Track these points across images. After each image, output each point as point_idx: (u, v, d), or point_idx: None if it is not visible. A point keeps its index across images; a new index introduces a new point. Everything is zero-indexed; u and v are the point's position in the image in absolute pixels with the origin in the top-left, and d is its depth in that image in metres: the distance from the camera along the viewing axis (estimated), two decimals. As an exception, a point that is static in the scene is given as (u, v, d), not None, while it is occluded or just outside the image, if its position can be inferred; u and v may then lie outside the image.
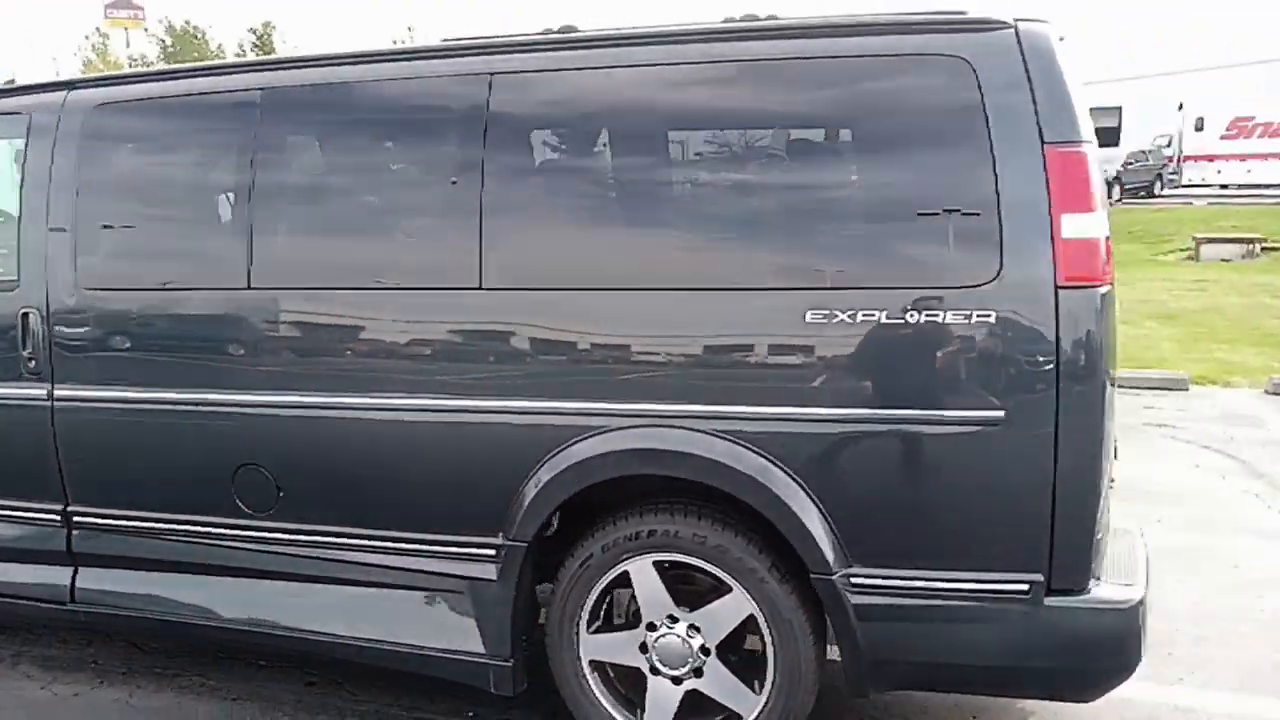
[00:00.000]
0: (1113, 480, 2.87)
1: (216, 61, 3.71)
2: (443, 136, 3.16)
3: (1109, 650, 2.77)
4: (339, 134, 3.34)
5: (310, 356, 3.24)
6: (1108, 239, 2.69)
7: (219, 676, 3.69)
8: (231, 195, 3.35)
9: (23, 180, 3.55)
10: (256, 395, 3.24)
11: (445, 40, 3.46)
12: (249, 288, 3.24)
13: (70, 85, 3.61)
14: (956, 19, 2.76)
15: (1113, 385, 2.78)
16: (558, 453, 2.95)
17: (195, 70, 3.53)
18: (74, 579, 3.62)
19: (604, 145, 3.09)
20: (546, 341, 3.00)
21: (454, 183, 3.06)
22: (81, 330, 3.46)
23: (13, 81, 4.12)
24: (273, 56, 3.54)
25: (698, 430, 2.85)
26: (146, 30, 46.97)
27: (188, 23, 50.47)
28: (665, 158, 3.08)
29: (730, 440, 2.82)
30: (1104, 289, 2.66)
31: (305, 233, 3.32)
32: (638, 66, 2.95)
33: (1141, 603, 2.77)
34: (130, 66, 44.29)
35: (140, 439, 3.43)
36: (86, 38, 44.90)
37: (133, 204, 3.48)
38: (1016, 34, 2.69)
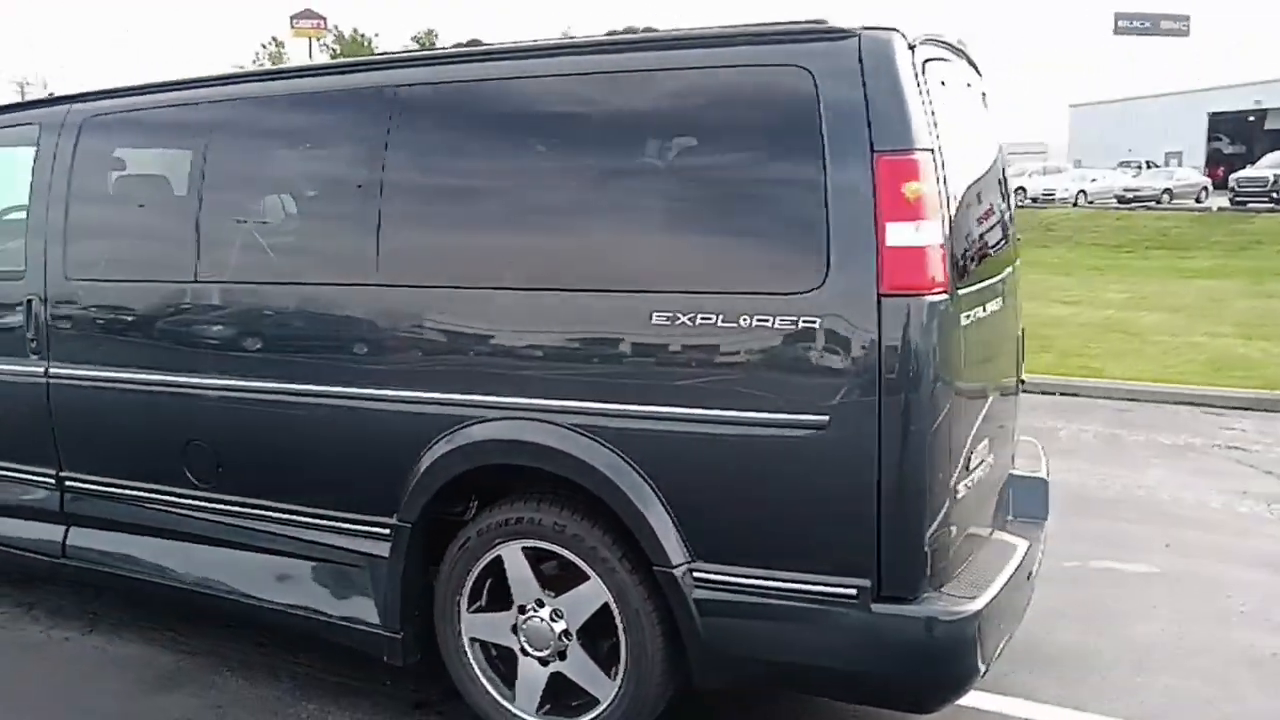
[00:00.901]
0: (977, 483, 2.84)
1: (178, 78, 4.11)
2: (352, 147, 3.41)
3: (939, 661, 2.75)
4: (263, 145, 3.64)
5: (235, 344, 3.55)
6: (944, 247, 2.67)
7: (187, 632, 4.06)
8: (181, 198, 3.70)
9: (31, 182, 4.03)
10: (196, 378, 3.59)
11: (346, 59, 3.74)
12: (195, 280, 3.60)
13: (73, 99, 4.07)
14: (802, 29, 2.81)
15: (977, 396, 2.80)
16: (438, 441, 3.16)
17: (161, 85, 3.90)
18: (65, 536, 4.07)
19: (482, 155, 3.26)
20: (428, 335, 3.21)
21: (359, 187, 3.32)
22: (68, 315, 3.91)
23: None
24: (222, 74, 3.91)
25: (558, 424, 2.99)
26: (319, 40, 49.99)
27: (355, 30, 53.43)
28: (529, 165, 3.22)
29: (585, 435, 2.96)
30: (934, 298, 2.65)
31: (236, 230, 3.64)
32: (503, 80, 3.13)
33: (978, 616, 2.73)
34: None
35: (111, 413, 3.84)
36: (264, 46, 48.20)
37: (105, 205, 3.91)
38: (859, 43, 2.71)
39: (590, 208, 3.04)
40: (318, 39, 54.65)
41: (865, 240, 2.63)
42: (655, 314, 2.85)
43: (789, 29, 2.84)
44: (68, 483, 4.04)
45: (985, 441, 3.03)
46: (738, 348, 2.78)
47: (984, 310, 2.99)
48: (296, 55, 49.25)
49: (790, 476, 2.77)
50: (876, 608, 2.71)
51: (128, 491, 3.89)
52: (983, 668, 2.78)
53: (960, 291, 2.77)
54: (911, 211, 2.63)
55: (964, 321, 2.79)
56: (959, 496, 2.81)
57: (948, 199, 2.72)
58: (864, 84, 2.68)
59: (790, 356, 2.72)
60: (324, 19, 62.13)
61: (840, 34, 2.75)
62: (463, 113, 3.26)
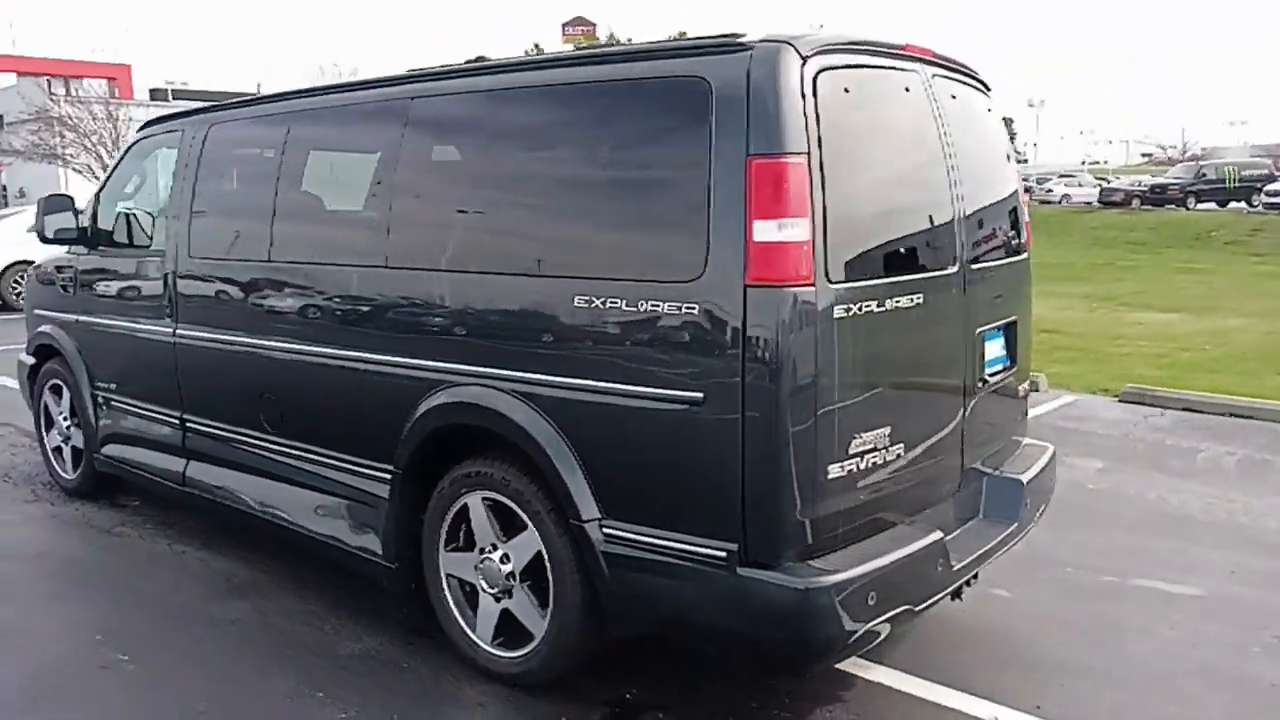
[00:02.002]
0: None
1: (269, 93, 4.89)
2: (373, 147, 4.02)
3: (794, 626, 2.96)
4: (313, 148, 4.31)
5: (289, 314, 4.25)
6: (810, 244, 2.87)
7: (269, 555, 4.83)
8: (262, 193, 4.45)
9: (173, 177, 4.95)
10: (266, 340, 4.33)
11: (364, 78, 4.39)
12: (269, 260, 4.34)
13: (208, 109, 4.96)
14: (708, 43, 3.10)
15: (868, 386, 3.00)
16: (421, 401, 3.70)
17: (258, 99, 4.70)
18: (185, 468, 4.98)
19: (451, 156, 3.78)
20: (414, 311, 3.75)
21: (379, 183, 3.92)
22: (188, 287, 4.78)
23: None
24: (300, 89, 4.67)
25: (502, 391, 3.45)
26: (577, 45, 52.58)
27: (612, 35, 55.74)
28: (488, 168, 3.67)
29: (522, 401, 3.39)
30: (799, 290, 2.87)
31: (301, 219, 4.33)
32: (462, 95, 3.64)
33: (836, 588, 2.91)
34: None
35: (214, 367, 4.68)
36: (526, 53, 51.30)
37: (214, 196, 4.74)
38: (750, 56, 2.98)
39: (535, 203, 3.48)
40: (584, 44, 57.48)
41: (736, 235, 2.90)
42: (577, 297, 3.24)
43: (698, 43, 3.15)
44: (187, 423, 4.93)
45: (884, 430, 3.16)
46: (637, 329, 3.11)
47: (889, 305, 3.13)
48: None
49: (676, 447, 3.08)
50: (742, 571, 2.97)
51: (224, 433, 4.72)
52: (848, 638, 2.96)
53: (840, 285, 2.96)
54: (778, 210, 2.86)
55: (841, 314, 2.96)
56: (829, 477, 2.99)
57: (825, 200, 2.92)
58: (747, 93, 2.94)
59: (675, 339, 3.03)
60: (593, 25, 65.32)
61: (737, 47, 3.02)
62: (444, 126, 3.80)
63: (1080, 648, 3.99)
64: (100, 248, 5.40)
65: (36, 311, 6.07)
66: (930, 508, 3.50)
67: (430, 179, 3.81)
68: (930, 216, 3.42)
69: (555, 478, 3.30)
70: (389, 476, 3.88)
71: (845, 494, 3.06)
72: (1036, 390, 3.78)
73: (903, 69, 3.41)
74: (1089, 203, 40.51)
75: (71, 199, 5.48)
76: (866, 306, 3.06)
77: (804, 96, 2.94)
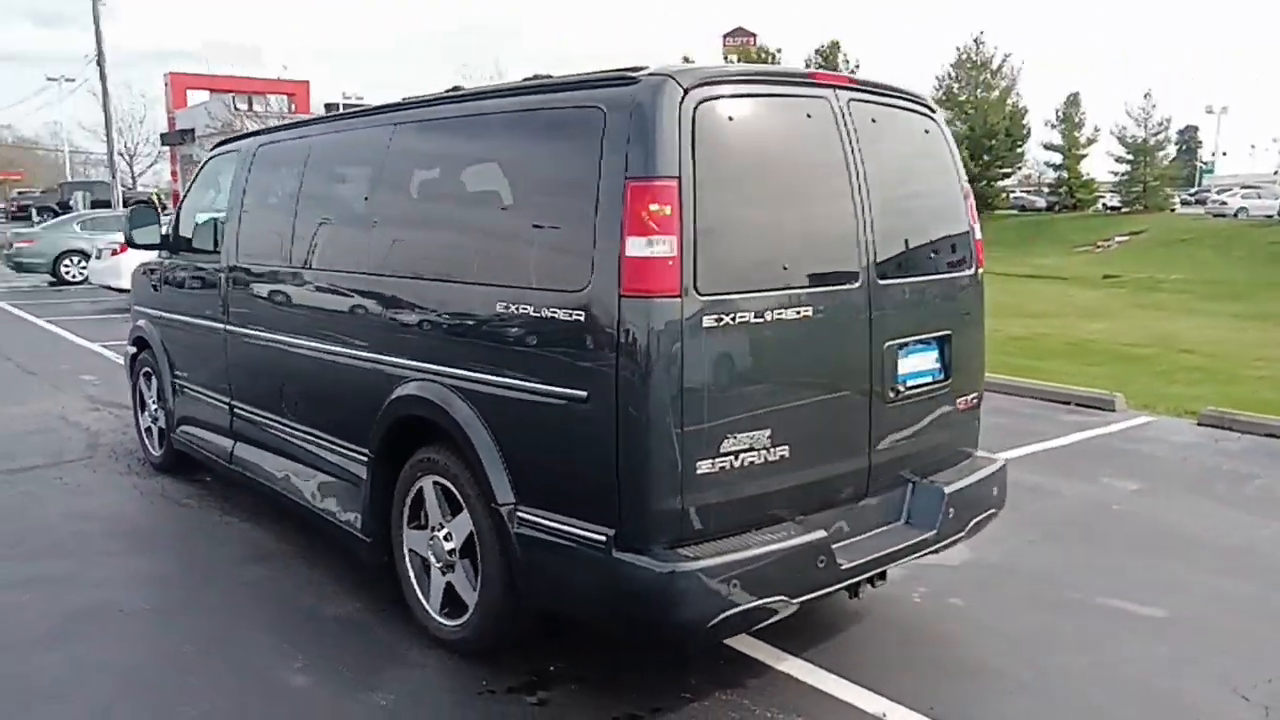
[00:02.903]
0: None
1: (299, 119, 5.52)
2: (360, 169, 4.54)
3: (656, 607, 3.23)
4: (345, 173, 4.84)
5: (297, 311, 4.82)
6: (678, 259, 3.15)
7: (296, 529, 5.41)
8: (286, 206, 5.04)
9: (229, 190, 5.64)
10: (282, 335, 4.92)
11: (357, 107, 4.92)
12: (285, 265, 4.93)
13: (260, 132, 5.62)
14: (608, 76, 3.43)
15: (742, 390, 3.28)
16: (389, 393, 4.16)
17: (293, 124, 5.30)
18: (233, 448, 5.64)
19: (409, 179, 4.26)
20: (385, 312, 4.22)
21: (365, 199, 4.42)
22: (234, 287, 5.44)
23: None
24: (318, 116, 5.33)
25: (445, 386, 3.87)
26: (733, 56, 52.89)
27: (760, 47, 55.84)
28: (429, 186, 4.13)
29: (459, 395, 3.80)
30: (666, 301, 3.16)
31: (307, 230, 4.88)
32: (421, 123, 4.10)
33: (694, 574, 3.17)
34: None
35: (250, 358, 5.31)
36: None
37: (252, 208, 5.38)
38: (636, 88, 3.29)
39: (470, 219, 3.91)
40: (743, 55, 57.81)
41: (613, 250, 3.21)
42: (499, 302, 3.63)
43: (602, 76, 3.48)
44: (234, 408, 5.59)
45: (764, 432, 3.39)
46: (541, 332, 3.47)
47: (769, 316, 3.36)
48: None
49: (569, 439, 3.42)
50: (617, 554, 3.27)
51: (258, 417, 5.34)
52: (709, 620, 3.21)
53: (710, 297, 3.22)
54: (648, 228, 3.16)
55: (711, 323, 3.22)
56: (699, 473, 3.25)
57: (697, 219, 3.19)
58: (630, 121, 3.26)
59: (568, 342, 3.37)
60: (754, 35, 65.64)
61: (629, 80, 3.34)
62: (406, 152, 4.28)
63: (1009, 657, 4.07)
64: (180, 252, 6.16)
65: (135, 307, 6.93)
66: (834, 508, 3.69)
67: (393, 198, 4.28)
68: (825, 234, 3.62)
69: (479, 465, 3.69)
70: (366, 459, 4.37)
71: (717, 489, 3.31)
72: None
73: (806, 95, 3.63)
74: (1270, 216, 37.93)
75: (156, 209, 6.27)
76: (741, 317, 3.30)
77: (680, 124, 3.22)
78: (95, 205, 33.52)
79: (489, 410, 3.70)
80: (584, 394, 3.33)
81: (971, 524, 4.12)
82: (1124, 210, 52.26)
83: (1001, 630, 4.33)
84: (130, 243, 6.16)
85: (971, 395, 4.30)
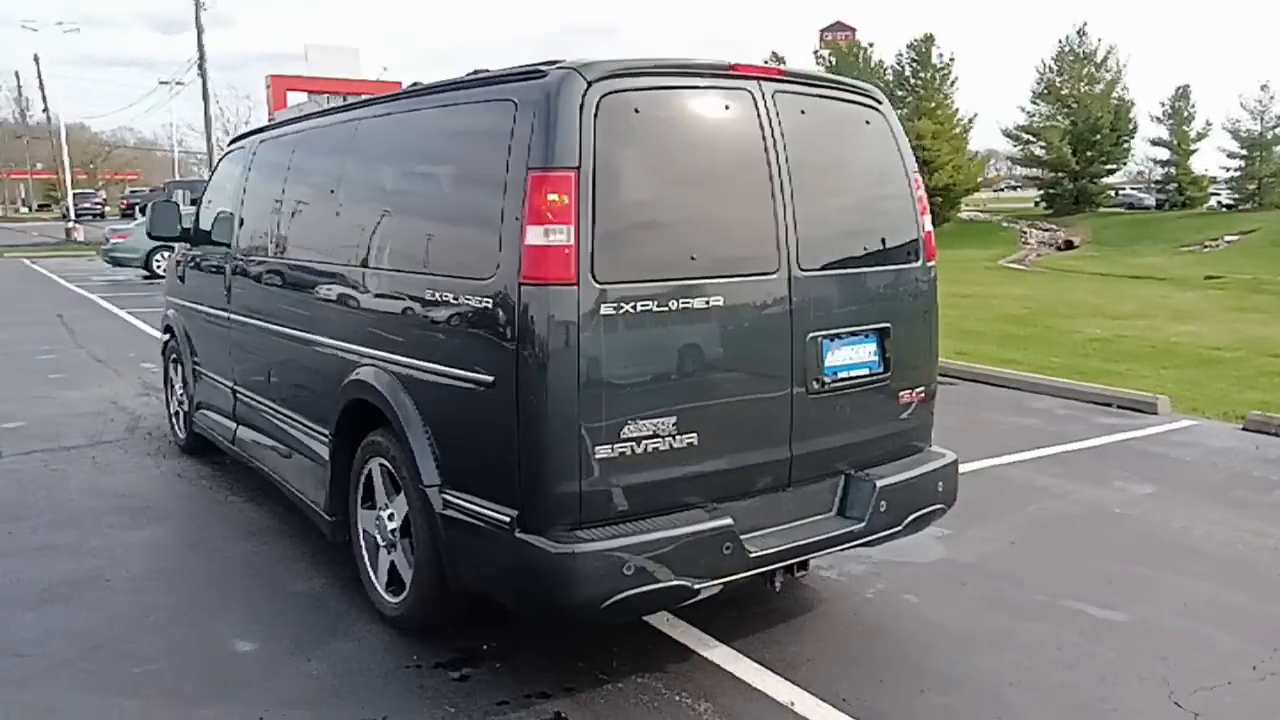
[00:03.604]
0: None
1: (285, 118, 5.79)
2: (325, 165, 4.75)
3: (551, 585, 3.32)
4: (318, 166, 5.05)
5: (276, 299, 5.05)
6: (574, 248, 3.23)
7: (281, 504, 5.62)
8: (275, 198, 5.28)
9: (235, 184, 5.92)
10: (266, 321, 5.15)
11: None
12: (269, 255, 5.16)
13: (262, 129, 5.88)
14: (523, 71, 3.52)
15: (643, 381, 3.34)
16: (344, 377, 4.33)
17: (283, 122, 5.54)
18: (235, 431, 5.92)
19: (357, 174, 4.45)
20: (343, 299, 4.40)
21: (331, 192, 4.61)
22: (237, 277, 5.71)
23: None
24: (297, 115, 5.55)
25: (387, 371, 4.02)
26: (835, 51, 52.28)
27: (854, 42, 55.02)
28: (371, 180, 4.29)
29: (396, 381, 3.95)
30: (562, 289, 3.23)
31: (284, 222, 5.10)
32: (364, 120, 4.27)
33: (587, 556, 3.25)
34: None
35: (246, 344, 5.58)
36: (765, 62, 51.69)
37: (249, 202, 5.64)
38: (543, 81, 3.38)
39: (405, 209, 4.09)
40: (834, 50, 57.16)
41: (516, 239, 3.31)
42: (427, 290, 3.76)
43: (518, 70, 3.58)
44: (237, 393, 5.87)
45: (668, 420, 3.43)
46: (459, 318, 3.59)
47: (673, 305, 3.40)
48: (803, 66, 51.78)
49: (480, 423, 3.53)
50: (519, 534, 3.36)
51: (253, 401, 5.60)
52: (602, 601, 3.28)
53: (608, 285, 3.28)
54: (546, 218, 3.25)
55: (609, 311, 3.28)
56: (597, 458, 3.32)
57: (595, 209, 3.26)
58: (534, 114, 3.35)
59: (479, 328, 3.48)
60: (853, 30, 64.78)
61: (539, 74, 3.43)
62: (354, 149, 4.50)
63: (942, 655, 4.02)
64: (198, 244, 6.49)
65: (166, 296, 7.33)
66: (750, 497, 3.70)
67: (351, 190, 4.46)
68: (739, 225, 3.64)
69: (409, 448, 3.83)
70: (327, 442, 4.56)
71: (618, 474, 3.36)
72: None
73: (725, 87, 3.65)
74: None
75: (176, 204, 6.62)
76: (643, 306, 3.36)
77: (583, 117, 3.30)
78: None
79: (420, 395, 3.83)
80: (491, 379, 3.43)
81: (910, 519, 4.08)
82: (1238, 208, 49.81)
83: (946, 629, 4.27)
84: (151, 235, 6.52)
85: (918, 389, 4.24)
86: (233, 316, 5.77)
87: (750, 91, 3.70)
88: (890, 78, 52.22)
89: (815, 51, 50.41)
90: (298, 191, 5.09)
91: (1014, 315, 16.24)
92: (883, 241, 4.10)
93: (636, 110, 3.43)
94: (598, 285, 3.28)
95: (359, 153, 4.49)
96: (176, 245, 7.03)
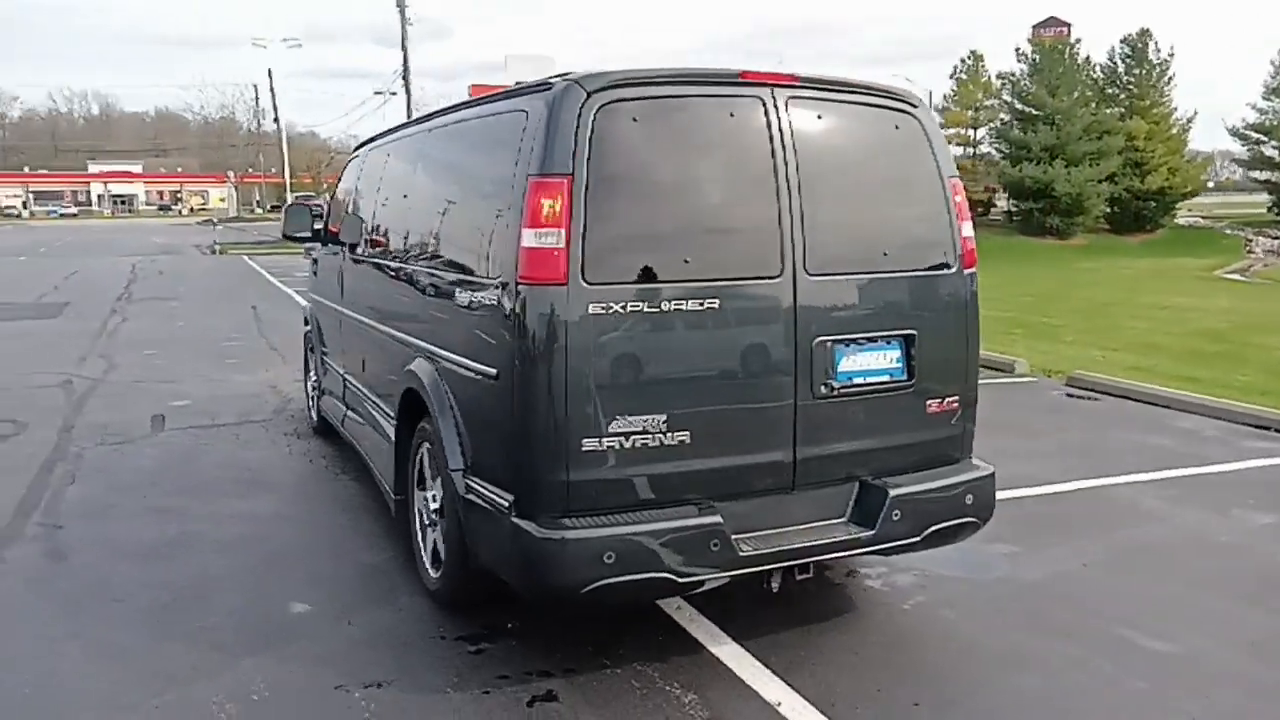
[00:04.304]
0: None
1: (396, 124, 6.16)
2: (404, 172, 5.11)
3: (539, 566, 3.52)
4: (400, 172, 5.44)
5: (362, 293, 5.49)
6: (566, 250, 3.40)
7: (371, 480, 6.08)
8: (369, 201, 5.73)
9: (351, 187, 6.45)
10: (366, 317, 5.61)
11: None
12: (364, 254, 5.62)
13: (376, 137, 6.39)
14: (539, 83, 3.73)
15: (628, 377, 3.49)
16: (404, 366, 4.69)
17: (387, 131, 6.01)
18: (344, 415, 6.45)
19: (429, 178, 4.73)
20: (406, 292, 4.76)
21: (405, 196, 4.99)
22: (344, 272, 6.23)
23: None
24: (403, 122, 5.92)
25: (431, 361, 4.33)
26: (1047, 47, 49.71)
27: (1064, 40, 52.06)
28: (426, 185, 4.58)
29: (436, 371, 4.25)
30: (554, 289, 3.42)
31: (385, 224, 5.52)
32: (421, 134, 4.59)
33: (568, 541, 3.42)
34: (997, 85, 47.88)
35: (352, 334, 6.08)
36: (963, 60, 49.76)
37: (357, 204, 6.13)
38: (549, 92, 3.58)
39: (445, 212, 4.42)
40: (1050, 47, 54.42)
41: (516, 240, 3.52)
42: (458, 289, 4.04)
43: (536, 83, 3.78)
44: (345, 380, 6.39)
45: (658, 417, 3.53)
46: (478, 314, 3.84)
47: (666, 306, 3.52)
48: (993, 66, 49.41)
49: (489, 413, 3.77)
50: (514, 519, 3.57)
51: (354, 387, 6.09)
52: (583, 585, 3.43)
53: (599, 286, 3.44)
54: (541, 221, 3.44)
55: (599, 310, 3.44)
56: (584, 450, 3.47)
57: (588, 213, 3.43)
58: (538, 124, 3.55)
59: (491, 323, 3.71)
60: (1067, 25, 61.53)
61: (548, 86, 3.63)
62: (415, 157, 4.81)
63: (958, 671, 3.93)
64: (325, 244, 7.09)
65: (308, 290, 8.01)
66: (749, 498, 3.75)
67: (416, 193, 4.83)
68: (740, 229, 3.70)
69: (439, 435, 4.11)
70: (393, 426, 4.93)
71: (606, 466, 3.51)
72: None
73: (731, 95, 3.72)
74: None
75: (309, 206, 7.24)
76: (633, 306, 3.49)
77: (580, 126, 3.47)
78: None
79: (452, 386, 4.11)
80: (495, 372, 3.66)
81: (930, 531, 4.00)
82: None
83: (973, 646, 4.16)
84: (285, 236, 7.16)
85: (949, 399, 4.15)
86: (342, 309, 6.29)
87: (761, 98, 3.76)
88: (1100, 75, 49.21)
89: (1018, 50, 47.93)
90: (385, 196, 5.51)
91: (1211, 330, 15.03)
92: (910, 248, 4.05)
93: (635, 119, 3.57)
94: (588, 286, 3.44)
95: (422, 160, 4.86)
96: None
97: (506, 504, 3.62)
